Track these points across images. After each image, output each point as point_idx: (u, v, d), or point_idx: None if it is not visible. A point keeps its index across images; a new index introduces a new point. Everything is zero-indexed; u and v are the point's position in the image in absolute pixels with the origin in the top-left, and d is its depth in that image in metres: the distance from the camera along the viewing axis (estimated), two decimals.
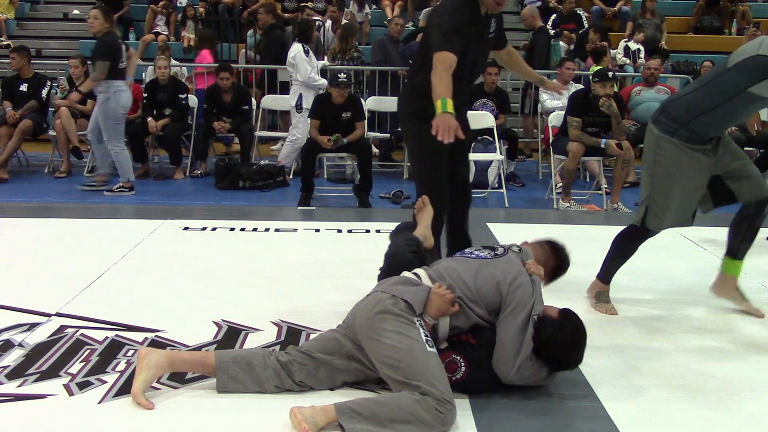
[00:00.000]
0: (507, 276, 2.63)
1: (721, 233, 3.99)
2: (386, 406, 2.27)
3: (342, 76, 6.37)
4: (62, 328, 3.17)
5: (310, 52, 7.36)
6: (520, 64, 4.03)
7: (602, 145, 6.16)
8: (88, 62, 7.59)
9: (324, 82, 7.12)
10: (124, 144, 6.55)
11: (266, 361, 2.54)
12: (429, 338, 2.45)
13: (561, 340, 2.55)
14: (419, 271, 2.73)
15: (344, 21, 9.75)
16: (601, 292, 3.69)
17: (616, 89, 6.78)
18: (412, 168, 3.91)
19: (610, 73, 6.34)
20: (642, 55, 9.58)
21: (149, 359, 2.51)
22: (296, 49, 7.21)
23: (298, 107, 7.18)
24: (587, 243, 5.04)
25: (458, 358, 2.55)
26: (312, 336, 3.12)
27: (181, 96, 7.47)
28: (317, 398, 2.53)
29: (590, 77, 6.67)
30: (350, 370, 2.56)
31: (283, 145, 7.61)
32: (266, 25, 8.99)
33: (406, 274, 2.73)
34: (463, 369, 2.54)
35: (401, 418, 2.24)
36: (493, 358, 2.55)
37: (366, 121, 6.76)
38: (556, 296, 3.78)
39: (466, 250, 2.98)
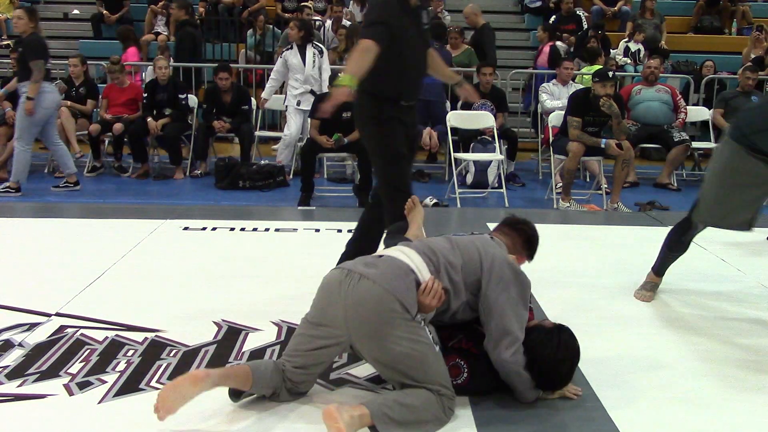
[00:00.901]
0: (487, 249, 2.63)
1: (721, 233, 4.00)
2: (415, 408, 2.30)
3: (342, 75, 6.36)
4: (62, 328, 3.17)
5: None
6: (438, 65, 3.98)
7: (602, 145, 6.17)
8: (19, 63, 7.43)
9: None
10: (30, 146, 6.43)
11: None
12: (433, 335, 2.44)
13: (556, 362, 2.51)
14: (410, 252, 2.57)
15: (344, 21, 9.75)
16: (649, 282, 3.83)
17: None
18: (374, 171, 3.90)
19: (610, 73, 6.34)
20: (642, 55, 9.57)
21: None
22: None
23: (298, 103, 7.21)
24: (587, 243, 5.05)
25: (462, 363, 2.55)
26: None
27: (181, 96, 7.47)
28: (319, 397, 2.53)
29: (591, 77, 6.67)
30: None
31: None
32: (178, 21, 9.01)
33: (395, 255, 2.55)
34: (465, 375, 2.54)
35: (426, 418, 2.32)
36: (492, 330, 2.46)
37: None
38: (556, 296, 3.79)
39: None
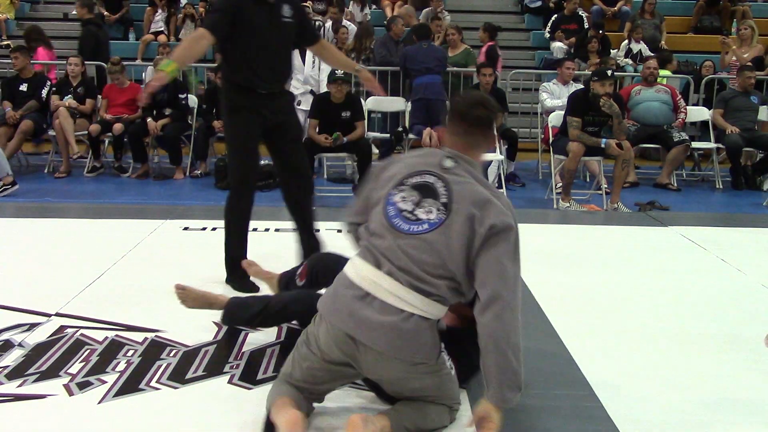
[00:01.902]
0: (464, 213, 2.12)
1: (721, 233, 4.00)
2: (431, 421, 2.29)
3: (339, 72, 6.38)
4: (62, 328, 3.17)
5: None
6: (334, 55, 4.13)
7: (602, 145, 6.16)
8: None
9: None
10: None
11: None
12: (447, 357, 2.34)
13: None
14: (392, 285, 2.12)
15: (345, 21, 9.74)
16: None
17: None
18: (227, 159, 4.00)
19: (609, 72, 6.33)
20: (645, 54, 9.57)
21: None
22: None
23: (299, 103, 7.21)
24: (587, 243, 5.05)
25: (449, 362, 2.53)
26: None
27: (181, 96, 7.47)
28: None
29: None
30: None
31: None
32: (82, 19, 9.02)
33: (385, 298, 2.13)
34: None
35: (435, 427, 2.31)
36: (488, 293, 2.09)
37: (366, 121, 6.76)
38: (556, 296, 3.79)
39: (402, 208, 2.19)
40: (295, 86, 7.30)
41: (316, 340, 2.24)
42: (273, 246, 4.72)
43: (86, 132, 7.37)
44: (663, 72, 8.46)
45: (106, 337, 3.06)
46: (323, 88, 7.04)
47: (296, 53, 7.22)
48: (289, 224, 5.30)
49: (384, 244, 2.14)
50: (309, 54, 7.20)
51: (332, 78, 6.35)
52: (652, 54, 9.20)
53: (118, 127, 7.26)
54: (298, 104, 7.20)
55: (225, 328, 3.20)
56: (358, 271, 2.18)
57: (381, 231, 2.15)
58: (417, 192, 2.11)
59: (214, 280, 3.91)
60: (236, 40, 3.50)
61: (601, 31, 9.71)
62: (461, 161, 2.20)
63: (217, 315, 3.32)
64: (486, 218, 2.07)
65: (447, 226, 2.04)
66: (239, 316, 2.93)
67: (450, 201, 2.07)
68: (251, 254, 4.48)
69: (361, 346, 2.13)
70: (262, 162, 7.22)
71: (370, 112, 7.47)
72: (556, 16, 10.64)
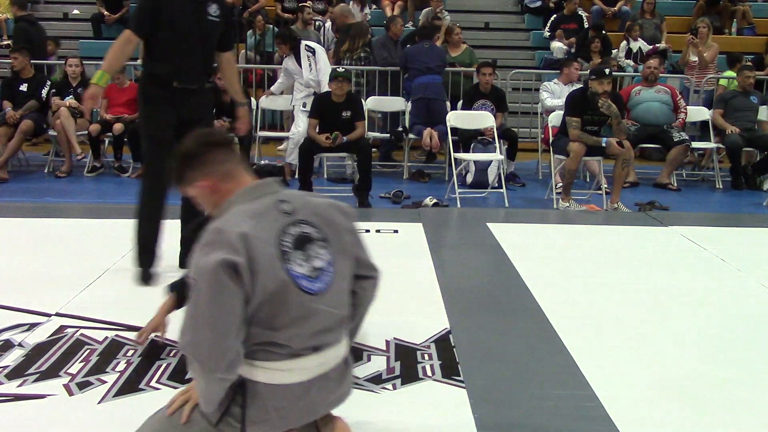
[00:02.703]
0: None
1: (721, 233, 4.00)
2: None
3: (340, 69, 6.38)
4: (62, 328, 3.17)
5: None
6: (230, 76, 4.09)
7: (603, 144, 6.15)
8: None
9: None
10: None
11: None
12: None
13: None
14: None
15: (356, 21, 9.75)
16: None
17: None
18: (141, 148, 4.04)
19: (607, 70, 6.33)
20: (645, 52, 9.57)
21: None
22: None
23: (303, 105, 7.21)
24: (587, 243, 5.05)
25: None
26: None
27: None
28: None
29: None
30: None
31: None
32: (15, 16, 9.10)
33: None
34: None
35: None
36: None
37: (366, 121, 6.75)
38: (556, 296, 3.79)
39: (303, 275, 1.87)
40: (298, 89, 7.31)
41: None
42: None
43: (86, 132, 7.37)
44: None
45: (106, 337, 3.07)
46: (324, 88, 7.04)
47: (292, 59, 7.23)
48: None
49: (314, 322, 1.83)
50: (303, 58, 7.18)
51: (333, 75, 6.36)
52: (653, 50, 9.22)
53: (118, 127, 7.26)
54: (304, 106, 7.19)
55: None
56: (300, 369, 1.83)
57: (304, 313, 1.81)
58: (300, 251, 1.83)
59: None
60: (158, 33, 3.57)
61: (603, 31, 9.71)
62: (274, 186, 1.93)
63: None
64: (347, 219, 1.99)
65: (338, 253, 1.91)
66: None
67: (323, 232, 1.89)
68: None
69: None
70: (262, 162, 7.31)
71: (369, 111, 7.47)
72: (555, 16, 10.63)
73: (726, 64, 9.12)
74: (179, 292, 2.77)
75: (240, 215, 1.79)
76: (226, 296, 1.69)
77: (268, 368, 1.79)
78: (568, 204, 6.27)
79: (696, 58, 8.73)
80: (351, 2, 10.91)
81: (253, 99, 7.84)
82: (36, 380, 2.67)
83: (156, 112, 3.69)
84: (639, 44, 9.74)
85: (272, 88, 7.81)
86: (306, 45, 7.26)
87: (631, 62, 9.57)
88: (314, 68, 7.18)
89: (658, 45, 9.76)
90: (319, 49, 7.29)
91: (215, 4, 3.67)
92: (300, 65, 7.21)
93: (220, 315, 1.69)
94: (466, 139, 7.06)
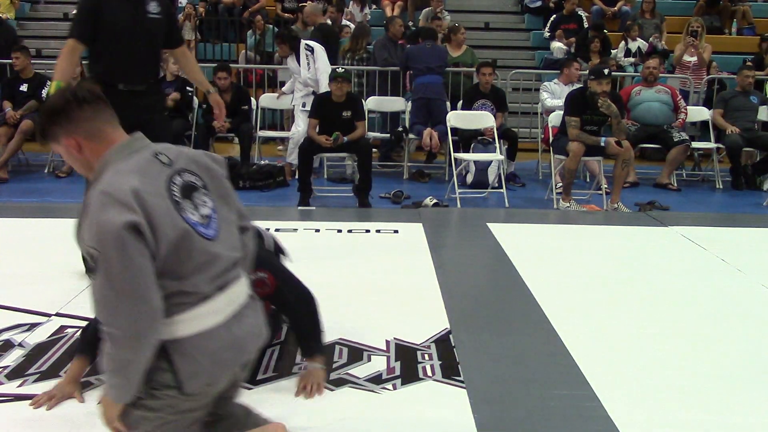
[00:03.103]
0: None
1: (721, 233, 4.00)
2: None
3: (340, 69, 6.38)
4: (62, 328, 3.17)
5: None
6: (191, 68, 4.06)
7: (602, 144, 6.15)
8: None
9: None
10: None
11: None
12: None
13: None
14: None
15: (344, 21, 9.75)
16: None
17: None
18: None
19: (606, 70, 6.33)
20: (644, 51, 9.56)
21: None
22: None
23: (303, 105, 7.21)
24: (587, 243, 5.05)
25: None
26: None
27: (189, 89, 7.58)
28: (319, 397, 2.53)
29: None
30: None
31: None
32: None
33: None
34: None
35: None
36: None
37: (366, 121, 6.75)
38: (556, 296, 3.79)
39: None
40: (298, 88, 7.31)
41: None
42: None
43: None
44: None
45: None
46: (324, 87, 7.04)
47: (293, 58, 7.23)
48: (289, 224, 5.33)
49: (216, 265, 1.84)
50: (302, 58, 7.18)
51: (332, 76, 6.36)
52: (653, 53, 9.20)
53: None
54: (303, 106, 7.19)
55: None
56: (215, 311, 1.83)
57: (208, 258, 1.82)
58: (187, 198, 1.83)
59: None
60: (100, 36, 3.56)
61: (605, 31, 9.71)
62: (145, 140, 1.91)
63: None
64: (221, 166, 1.99)
65: (219, 199, 1.92)
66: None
67: (202, 179, 1.90)
68: None
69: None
70: (262, 162, 7.31)
71: (369, 111, 7.47)
72: (555, 16, 10.64)
73: (726, 65, 9.13)
74: (87, 354, 2.60)
75: (122, 173, 1.74)
76: (136, 258, 1.66)
77: (185, 319, 1.78)
78: (568, 204, 6.27)
79: (692, 59, 8.68)
80: (351, 2, 10.92)
81: (253, 99, 7.86)
82: (36, 380, 2.67)
83: None
84: (638, 44, 9.74)
85: (284, 89, 7.81)
86: (305, 44, 7.26)
87: (632, 59, 9.56)
88: (312, 67, 7.17)
89: (653, 42, 9.71)
90: (318, 48, 7.28)
91: (155, 1, 3.64)
92: (298, 64, 7.21)
93: (136, 279, 1.66)
94: (466, 139, 7.06)
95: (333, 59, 7.75)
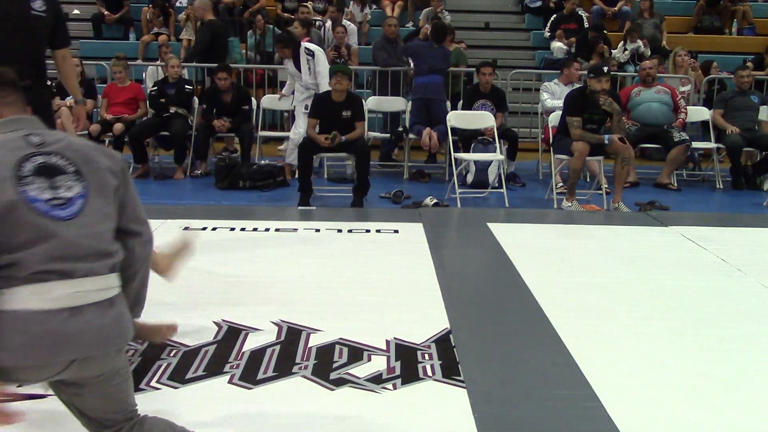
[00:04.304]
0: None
1: (722, 233, 4.00)
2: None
3: (339, 61, 6.36)
4: None
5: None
6: (67, 74, 4.02)
7: (606, 141, 6.14)
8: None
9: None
10: None
11: None
12: None
13: None
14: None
15: (344, 21, 9.75)
16: None
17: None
18: None
19: (605, 68, 6.33)
20: (641, 51, 9.56)
21: None
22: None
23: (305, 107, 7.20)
24: (587, 243, 5.05)
25: None
26: (311, 336, 3.13)
27: (188, 87, 7.60)
28: (319, 397, 2.52)
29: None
30: None
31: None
32: None
33: None
34: None
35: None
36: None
37: (366, 122, 6.75)
38: (556, 296, 3.79)
39: None
40: (299, 90, 7.31)
41: None
42: (273, 246, 4.72)
43: (87, 132, 7.37)
44: None
45: None
46: (324, 88, 7.04)
47: (290, 60, 7.23)
48: (289, 224, 5.33)
49: (55, 245, 1.81)
50: (302, 61, 7.17)
51: (332, 70, 6.36)
52: (653, 53, 9.21)
53: (118, 127, 7.27)
54: (305, 108, 7.18)
55: (225, 327, 3.20)
56: (45, 295, 1.79)
57: (41, 234, 1.80)
58: (44, 177, 1.84)
59: (213, 279, 3.92)
60: None
61: (605, 31, 9.71)
62: (31, 124, 1.97)
63: (216, 315, 3.33)
64: (113, 162, 1.98)
65: (94, 189, 1.91)
66: None
67: (76, 165, 1.90)
68: (251, 254, 4.50)
69: (73, 364, 1.85)
70: (263, 162, 7.31)
71: (369, 111, 7.47)
72: (555, 16, 10.64)
73: (726, 65, 9.13)
74: None
75: None
76: None
77: (10, 294, 1.76)
78: (570, 204, 6.25)
79: (685, 88, 8.55)
80: (351, 2, 10.92)
81: (253, 99, 7.86)
82: None
83: None
84: (636, 45, 9.73)
85: (283, 91, 7.84)
86: (305, 48, 7.24)
87: (627, 54, 9.55)
88: (313, 72, 7.16)
89: (642, 51, 9.63)
90: (318, 52, 7.27)
91: (43, 1, 3.61)
92: (298, 69, 7.20)
93: None
94: (466, 139, 7.06)
95: (222, 57, 8.01)
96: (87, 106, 7.54)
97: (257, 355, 2.93)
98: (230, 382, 2.70)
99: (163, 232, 4.92)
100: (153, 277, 3.94)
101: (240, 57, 9.49)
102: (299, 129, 7.16)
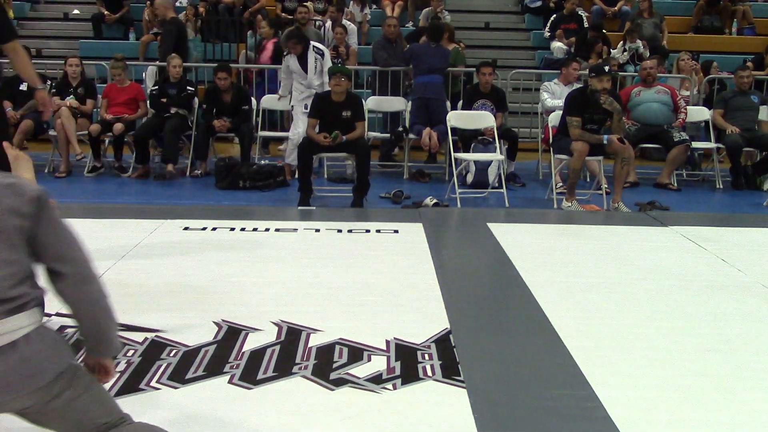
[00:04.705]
0: None
1: (721, 233, 4.00)
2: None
3: (338, 62, 6.38)
4: (62, 328, 3.16)
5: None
6: (22, 64, 3.98)
7: (605, 141, 6.14)
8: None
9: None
10: None
11: None
12: None
13: None
14: None
15: (344, 21, 9.76)
16: None
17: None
18: None
19: (606, 68, 6.33)
20: (640, 51, 9.57)
21: None
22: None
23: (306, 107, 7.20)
24: (587, 243, 5.05)
25: None
26: (311, 336, 3.13)
27: (190, 89, 7.61)
28: (319, 397, 2.52)
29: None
30: None
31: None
32: None
33: None
34: None
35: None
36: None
37: (366, 122, 6.74)
38: (556, 296, 3.79)
39: None
40: (298, 89, 7.30)
41: None
42: (273, 246, 4.72)
43: (87, 132, 7.38)
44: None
45: None
46: (326, 87, 7.05)
47: (295, 58, 7.22)
48: (289, 224, 5.33)
49: None
50: (310, 59, 7.17)
51: (331, 71, 6.36)
52: (652, 54, 9.20)
53: (118, 127, 7.27)
54: (306, 107, 7.18)
55: (225, 327, 3.20)
56: None
57: None
58: None
59: (213, 279, 3.92)
60: None
61: (604, 31, 9.71)
62: None
63: (216, 315, 3.33)
64: (20, 200, 1.86)
65: None
66: None
67: None
68: (252, 254, 4.49)
69: None
70: (263, 162, 7.31)
71: (369, 111, 7.47)
72: (555, 16, 10.64)
73: (726, 65, 9.13)
74: None
75: None
76: None
77: None
78: (570, 204, 6.25)
79: (686, 93, 8.57)
80: (351, 2, 10.92)
81: (253, 99, 7.86)
82: None
83: None
84: (636, 45, 9.73)
85: (280, 91, 7.82)
86: (315, 47, 7.24)
87: (627, 55, 9.55)
88: (318, 73, 7.18)
89: (640, 51, 9.63)
90: (326, 52, 7.31)
91: None
92: (303, 66, 7.19)
93: None
94: (466, 139, 7.06)
95: (184, 55, 7.96)
96: (87, 106, 7.63)
97: (257, 355, 2.93)
98: (230, 382, 2.70)
99: (163, 233, 4.93)
100: (153, 277, 3.96)
101: (199, 55, 9.46)
102: (298, 129, 7.17)
